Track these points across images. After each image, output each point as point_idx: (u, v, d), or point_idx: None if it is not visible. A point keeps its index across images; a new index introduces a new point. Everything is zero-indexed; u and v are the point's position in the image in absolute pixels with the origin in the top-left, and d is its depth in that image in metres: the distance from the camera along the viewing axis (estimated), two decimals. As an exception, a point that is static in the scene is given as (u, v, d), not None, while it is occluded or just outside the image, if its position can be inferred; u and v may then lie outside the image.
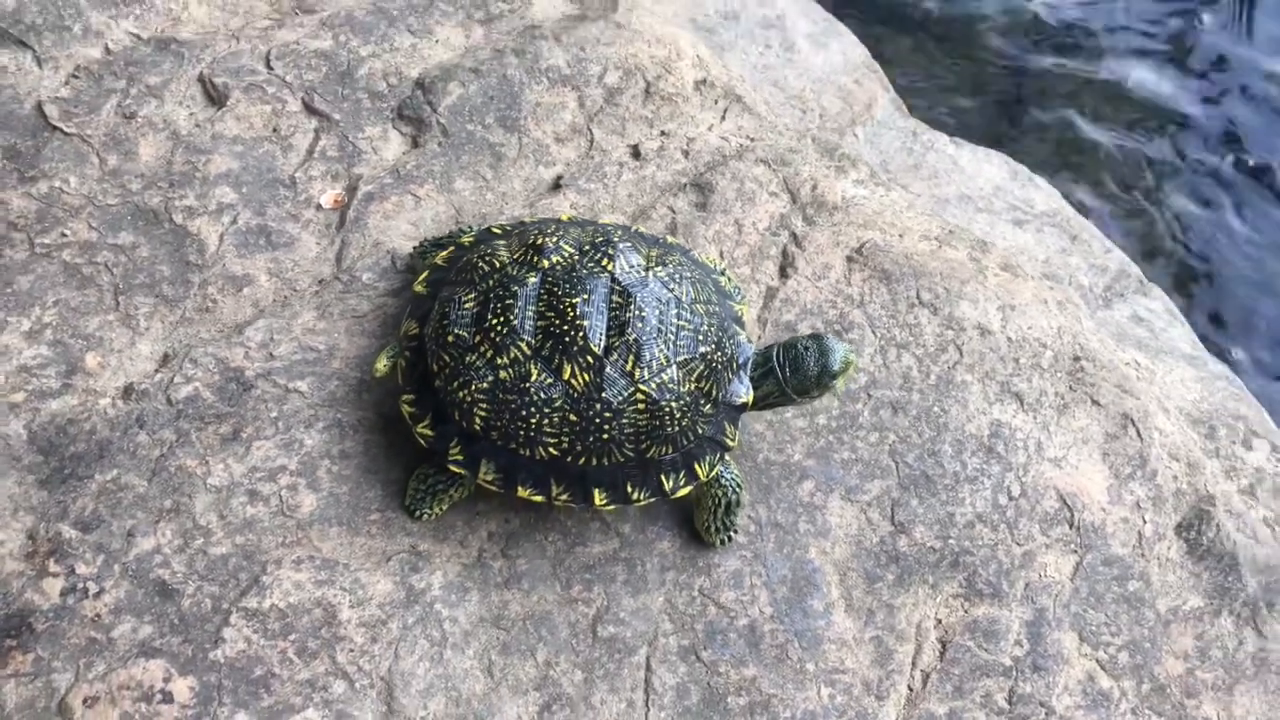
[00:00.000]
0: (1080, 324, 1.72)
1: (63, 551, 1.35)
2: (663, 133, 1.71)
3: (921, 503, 1.55)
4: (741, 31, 2.18)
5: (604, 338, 1.33)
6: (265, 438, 1.44)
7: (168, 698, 1.29)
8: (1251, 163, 2.76)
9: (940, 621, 1.51)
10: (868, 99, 2.16)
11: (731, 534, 1.47)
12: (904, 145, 2.12)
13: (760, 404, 1.46)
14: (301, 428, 1.46)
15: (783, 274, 1.65)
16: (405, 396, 1.40)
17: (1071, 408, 1.65)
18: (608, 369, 1.32)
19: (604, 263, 1.36)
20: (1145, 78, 2.81)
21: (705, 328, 1.39)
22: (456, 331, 1.35)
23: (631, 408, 1.33)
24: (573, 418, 1.33)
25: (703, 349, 1.37)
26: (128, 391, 1.46)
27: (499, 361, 1.33)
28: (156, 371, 1.47)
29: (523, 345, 1.33)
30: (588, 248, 1.38)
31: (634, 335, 1.33)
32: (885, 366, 1.61)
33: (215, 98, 1.63)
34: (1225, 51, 2.90)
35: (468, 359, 1.34)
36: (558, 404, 1.32)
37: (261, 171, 1.60)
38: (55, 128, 1.60)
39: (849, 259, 1.66)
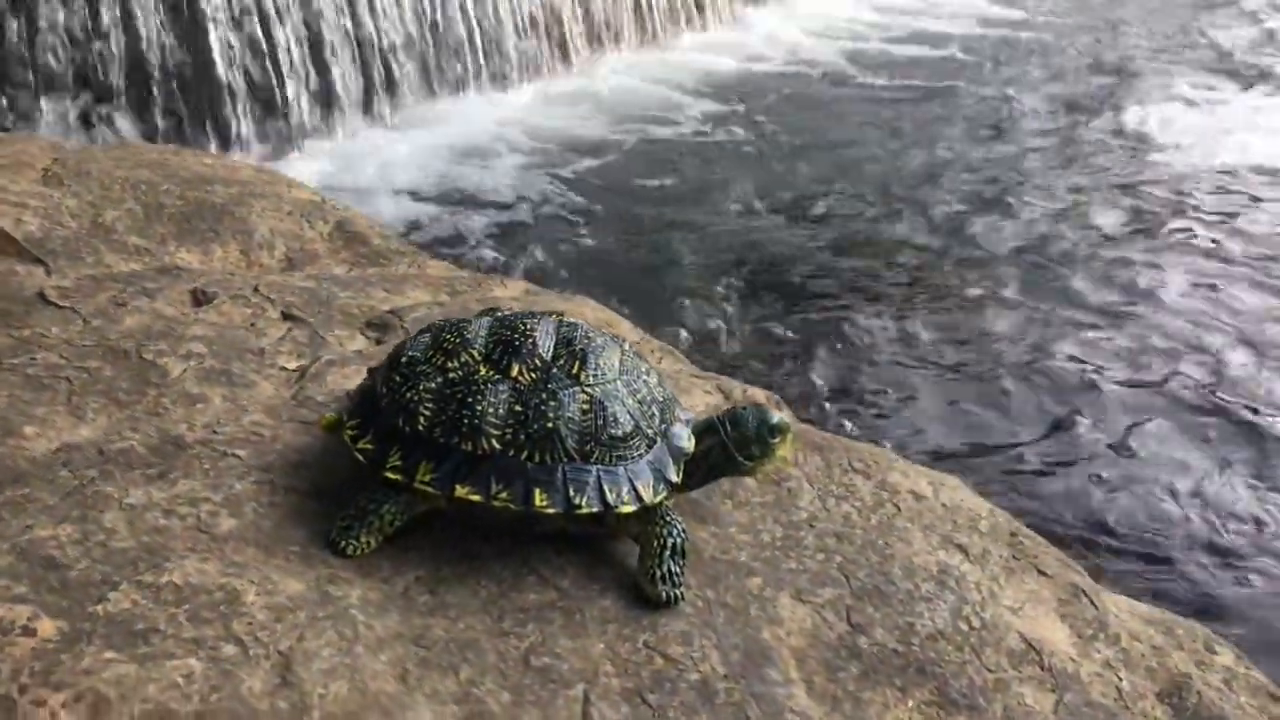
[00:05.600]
0: (1007, 514, 1.75)
1: (-55, 533, 1.23)
2: (604, 363, 1.88)
3: (878, 610, 1.46)
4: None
5: (552, 350, 1.40)
6: (193, 479, 1.39)
7: (29, 633, 1.10)
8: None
9: (916, 727, 1.34)
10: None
11: (679, 592, 1.37)
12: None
13: (701, 463, 1.46)
14: (234, 479, 1.41)
15: (720, 440, 1.71)
16: (349, 423, 1.40)
17: (1018, 573, 1.63)
18: (554, 370, 1.37)
19: (551, 316, 1.48)
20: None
21: (646, 368, 1.46)
22: (410, 354, 1.41)
23: (575, 404, 1.35)
24: (517, 408, 1.34)
25: (645, 379, 1.43)
26: (59, 449, 1.43)
27: (449, 365, 1.38)
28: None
29: (474, 352, 1.39)
30: (537, 313, 1.50)
31: (580, 348, 1.40)
32: (825, 510, 1.62)
33: (202, 301, 1.82)
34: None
35: (418, 369, 1.38)
36: (504, 395, 1.35)
37: (234, 342, 1.73)
38: (51, 303, 1.75)
39: (781, 435, 1.74)
